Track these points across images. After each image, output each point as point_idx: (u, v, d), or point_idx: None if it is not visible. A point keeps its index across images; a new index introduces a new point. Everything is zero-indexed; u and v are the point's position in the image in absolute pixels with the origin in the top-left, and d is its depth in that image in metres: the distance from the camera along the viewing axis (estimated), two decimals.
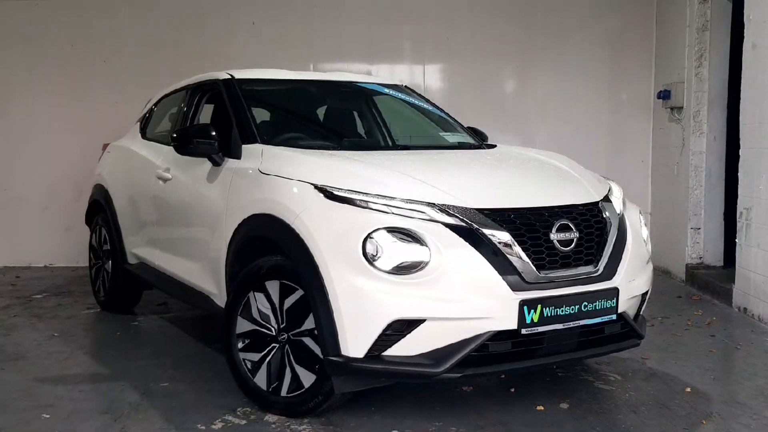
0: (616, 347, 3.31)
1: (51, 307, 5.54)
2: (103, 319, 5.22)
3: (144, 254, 4.74)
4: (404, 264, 2.89)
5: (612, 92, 7.34)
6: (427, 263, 2.89)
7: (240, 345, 3.36)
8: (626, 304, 3.25)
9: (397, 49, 7.38)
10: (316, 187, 3.13)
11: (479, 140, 4.42)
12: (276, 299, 3.25)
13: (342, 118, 4.55)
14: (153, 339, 4.73)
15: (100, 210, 5.35)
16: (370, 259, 2.90)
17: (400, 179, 3.15)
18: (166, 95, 5.15)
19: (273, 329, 3.26)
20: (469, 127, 4.59)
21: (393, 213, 2.97)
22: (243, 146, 3.75)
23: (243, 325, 3.36)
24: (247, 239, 3.49)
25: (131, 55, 7.27)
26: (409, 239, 2.91)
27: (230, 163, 3.77)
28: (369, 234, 2.92)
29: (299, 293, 3.16)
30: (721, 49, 6.10)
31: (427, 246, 2.90)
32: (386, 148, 4.08)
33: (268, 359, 3.27)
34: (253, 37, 7.26)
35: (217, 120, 4.46)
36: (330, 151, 3.65)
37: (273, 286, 3.26)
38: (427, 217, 2.97)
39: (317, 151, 3.62)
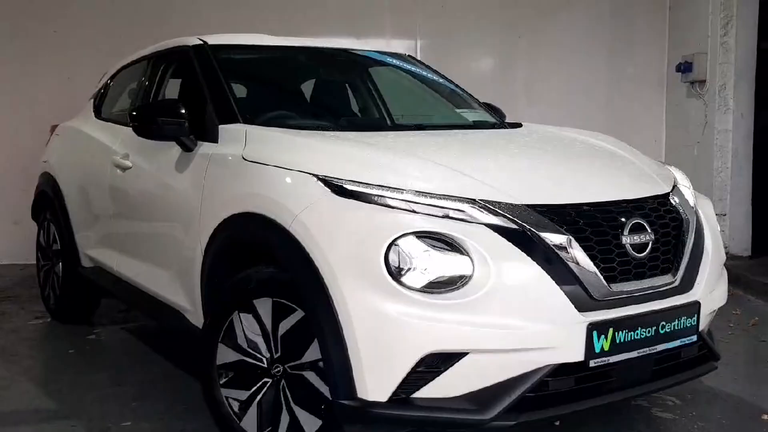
0: (693, 374, 2.67)
1: None
2: (54, 331, 4.45)
3: (100, 257, 3.99)
4: (440, 280, 2.21)
5: (616, 66, 6.71)
6: (469, 278, 2.21)
7: (222, 380, 2.66)
8: (705, 320, 2.62)
9: (385, 18, 6.64)
10: (320, 179, 2.42)
11: (499, 118, 3.74)
12: (268, 322, 2.55)
13: (337, 92, 3.82)
14: (113, 358, 3.98)
15: (49, 203, 4.57)
16: (396, 274, 2.21)
17: (429, 168, 2.46)
18: (124, 67, 4.37)
19: (264, 360, 2.56)
20: (485, 103, 3.90)
21: (423, 213, 2.27)
22: (220, 127, 3.02)
23: (226, 355, 2.65)
24: (229, 245, 2.78)
25: (86, 25, 6.42)
26: (446, 247, 2.23)
27: (204, 147, 3.04)
28: (393, 241, 2.22)
29: (298, 315, 2.46)
30: (749, 15, 5.51)
31: (468, 255, 2.22)
32: (396, 128, 3.35)
33: (258, 398, 2.57)
34: (226, 4, 6.47)
35: (186, 96, 3.69)
36: (331, 133, 2.93)
37: (264, 306, 2.55)
38: (467, 218, 2.28)
39: (315, 132, 2.91)
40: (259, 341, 2.57)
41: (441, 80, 3.93)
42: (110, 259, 3.85)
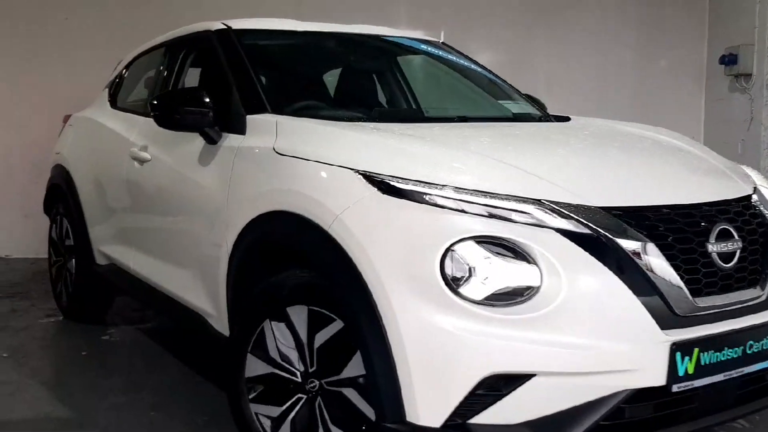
0: None
1: (3, 314, 4.53)
2: (66, 330, 4.22)
3: (116, 254, 3.74)
4: (504, 291, 1.95)
5: (648, 57, 6.40)
6: (536, 290, 1.95)
7: (252, 394, 2.41)
8: None
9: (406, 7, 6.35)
10: (364, 175, 2.15)
11: (543, 111, 3.47)
12: (303, 332, 2.29)
13: (369, 81, 3.56)
14: (128, 361, 3.74)
15: (61, 197, 4.33)
16: (453, 284, 1.95)
17: (487, 164, 2.19)
18: (141, 54, 4.12)
19: (298, 374, 2.31)
20: (525, 94, 3.63)
21: (483, 215, 2.01)
22: (248, 117, 2.76)
23: (256, 367, 2.41)
24: (259, 246, 2.53)
25: (98, 10, 6.17)
26: (510, 254, 1.97)
27: (230, 139, 2.79)
28: (450, 246, 1.97)
29: (338, 325, 2.21)
30: None
31: (536, 264, 1.96)
32: (437, 119, 3.07)
33: (291, 416, 2.32)
34: None
35: (208, 85, 3.44)
36: (371, 124, 2.66)
37: (299, 314, 2.30)
38: (534, 221, 2.01)
39: (354, 124, 2.64)
40: (293, 353, 2.32)
41: (478, 69, 3.66)
42: (126, 256, 3.60)
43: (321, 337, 2.25)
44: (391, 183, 2.10)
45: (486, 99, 3.48)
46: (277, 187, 2.43)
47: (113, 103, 4.15)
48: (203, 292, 2.89)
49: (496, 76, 3.64)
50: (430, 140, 2.41)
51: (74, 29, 6.17)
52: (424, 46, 3.61)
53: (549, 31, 6.39)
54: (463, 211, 2.01)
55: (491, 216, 2.00)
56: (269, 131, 2.61)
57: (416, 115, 3.15)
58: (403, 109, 3.36)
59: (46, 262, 5.78)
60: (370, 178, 2.14)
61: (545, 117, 3.31)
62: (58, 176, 4.35)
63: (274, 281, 2.40)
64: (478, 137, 2.57)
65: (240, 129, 2.77)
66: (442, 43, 3.76)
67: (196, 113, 2.79)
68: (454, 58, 3.63)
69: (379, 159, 2.20)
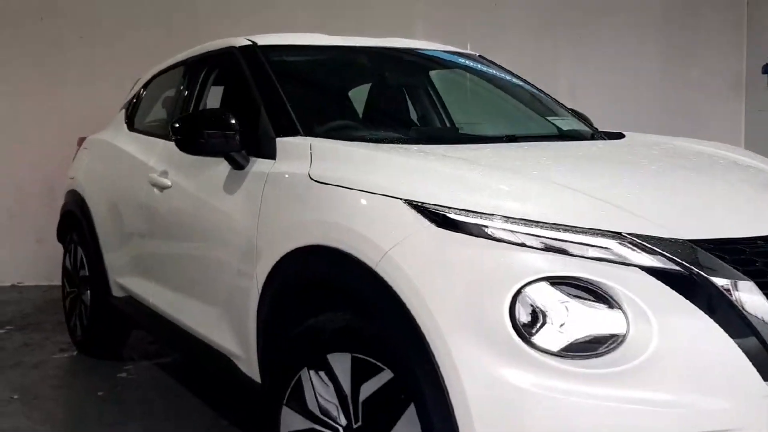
0: None
1: (14, 348, 4.30)
2: (81, 367, 3.98)
3: (133, 286, 3.51)
4: (584, 340, 1.69)
5: (682, 67, 6.13)
6: (622, 338, 1.68)
7: None
8: None
9: (433, 19, 6.13)
10: (417, 206, 1.90)
11: (592, 127, 3.22)
12: (346, 383, 2.03)
13: (403, 98, 3.31)
14: (146, 403, 3.47)
15: (76, 224, 4.11)
16: (525, 333, 1.69)
17: (554, 192, 1.93)
18: (159, 73, 3.91)
19: (341, 430, 2.05)
20: (571, 109, 3.37)
21: (557, 251, 1.75)
22: (278, 140, 2.53)
23: (292, 421, 2.15)
24: (295, 284, 2.28)
25: (112, 30, 5.99)
26: (589, 297, 1.71)
27: (259, 164, 2.55)
28: (520, 288, 1.71)
29: (386, 376, 1.94)
30: None
31: (620, 308, 1.69)
32: (483, 140, 2.81)
33: None
34: (259, 5, 6.01)
35: (232, 106, 3.22)
36: (414, 147, 2.41)
37: (341, 362, 2.04)
38: (615, 257, 1.74)
39: (398, 146, 2.40)
40: (335, 406, 2.06)
41: (519, 82, 3.41)
42: (144, 289, 3.37)
43: (367, 389, 1.99)
44: (448, 215, 1.84)
45: (530, 115, 3.22)
46: (315, 218, 2.18)
47: (130, 125, 3.93)
48: (230, 331, 2.65)
49: (539, 89, 3.40)
50: (486, 164, 2.16)
51: (89, 49, 5.99)
52: (461, 60, 3.37)
53: (575, 41, 6.14)
54: (533, 247, 1.75)
55: (566, 253, 1.74)
56: (303, 156, 2.37)
57: (460, 135, 2.89)
58: (446, 128, 3.09)
59: (59, 290, 5.57)
60: (423, 210, 1.89)
61: (597, 134, 3.05)
62: (73, 202, 4.14)
63: (312, 324, 2.15)
64: (537, 160, 2.31)
65: (269, 153, 2.54)
66: (479, 56, 3.52)
67: (222, 136, 2.56)
68: (494, 72, 3.39)
69: (432, 187, 1.95)
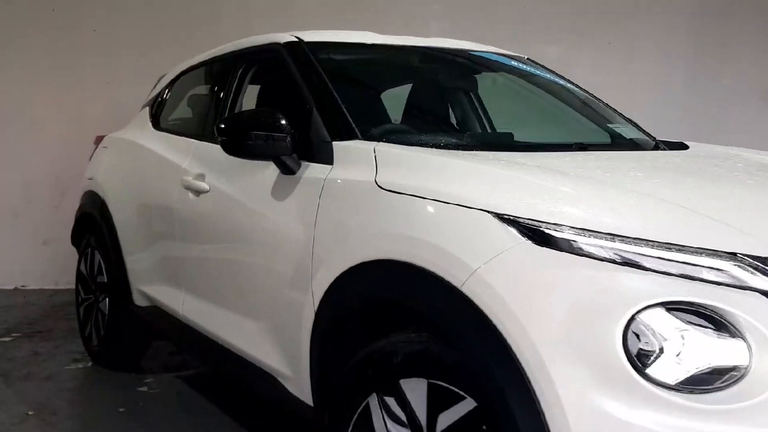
0: None
1: (23, 357, 4.08)
2: (98, 380, 3.78)
3: (160, 296, 3.32)
4: (702, 372, 1.52)
5: (708, 74, 6.00)
6: (745, 370, 1.52)
7: None
8: None
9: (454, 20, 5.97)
10: (508, 220, 1.73)
11: (650, 135, 3.06)
12: (422, 412, 1.85)
13: (458, 101, 3.15)
14: (173, 421, 3.24)
15: (94, 227, 3.92)
16: (639, 364, 1.53)
17: (658, 207, 1.76)
18: (188, 70, 3.72)
19: None
20: (627, 117, 3.22)
21: (672, 274, 1.58)
22: (335, 144, 2.35)
23: None
24: (359, 301, 2.11)
25: (128, 23, 5.80)
26: (708, 324, 1.55)
27: (313, 170, 2.37)
28: (634, 315, 1.55)
29: (469, 405, 1.76)
30: None
31: (742, 337, 1.53)
32: (552, 147, 2.63)
33: None
34: (280, 5, 5.85)
35: (273, 105, 3.03)
36: (489, 154, 2.23)
37: (415, 389, 1.86)
38: (732, 280, 1.58)
39: (474, 153, 2.22)
40: None
41: (573, 87, 3.25)
42: (174, 299, 3.18)
43: (446, 419, 1.81)
44: (547, 231, 1.68)
45: (587, 122, 3.05)
46: (385, 230, 2.01)
47: (156, 123, 3.74)
48: (276, 348, 2.47)
49: (592, 95, 3.24)
50: (575, 175, 1.99)
51: (104, 43, 5.78)
52: (513, 63, 3.20)
53: (601, 46, 6.01)
54: (647, 268, 1.58)
55: (682, 276, 1.58)
56: (366, 162, 2.19)
57: (530, 143, 2.72)
58: (506, 134, 2.90)
59: (66, 295, 5.39)
60: (516, 224, 1.72)
61: (659, 143, 2.89)
62: (91, 204, 3.94)
63: (382, 347, 1.97)
64: (624, 171, 2.15)
65: (325, 158, 2.36)
66: (528, 59, 3.36)
67: (272, 138, 2.38)
68: (547, 76, 3.22)
69: (524, 200, 1.78)
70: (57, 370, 3.87)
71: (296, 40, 2.84)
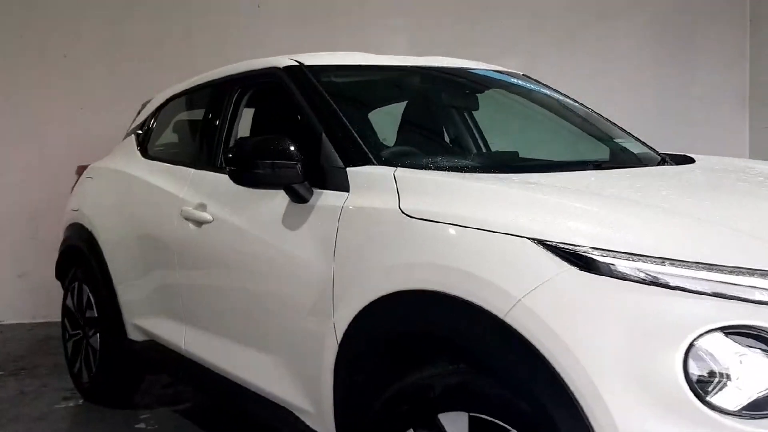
0: None
1: (10, 397, 3.92)
2: (92, 418, 3.63)
3: (158, 329, 3.21)
4: (763, 397, 1.50)
5: (683, 81, 6.06)
6: None
7: None
8: None
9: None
10: (551, 247, 1.68)
11: (654, 150, 3.05)
12: None
13: (463, 122, 3.11)
14: None
15: (81, 261, 3.78)
16: (700, 391, 1.49)
17: (706, 228, 1.72)
18: (177, 96, 3.62)
19: None
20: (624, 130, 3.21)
21: (727, 296, 1.55)
22: (350, 170, 2.29)
23: None
24: (387, 333, 2.04)
25: (99, 48, 5.66)
26: (765, 347, 1.52)
27: (327, 197, 2.30)
28: (693, 342, 1.51)
29: None
30: None
31: None
32: (571, 166, 2.57)
33: None
34: (258, 20, 5.76)
35: (272, 131, 2.95)
36: (515, 176, 2.18)
37: (456, 423, 1.80)
38: None
39: (501, 176, 2.17)
40: None
41: (573, 103, 3.23)
42: (174, 333, 3.07)
43: None
44: (594, 257, 1.63)
45: (591, 139, 3.03)
46: (414, 259, 1.94)
47: (144, 152, 3.63)
48: (294, 383, 2.39)
49: (591, 109, 3.23)
50: (609, 196, 1.96)
51: (74, 69, 5.62)
52: (512, 80, 3.17)
53: (567, 46, 6.02)
54: (702, 292, 1.55)
55: (737, 298, 1.55)
56: (385, 188, 2.13)
57: (548, 162, 2.68)
58: (512, 153, 2.86)
59: (45, 328, 5.24)
60: (560, 251, 1.67)
61: (665, 157, 2.88)
62: (77, 237, 3.80)
63: (417, 381, 1.90)
64: (654, 190, 2.12)
65: (339, 185, 2.29)
66: (523, 75, 3.34)
67: (283, 167, 2.31)
68: (546, 92, 3.20)
69: (565, 224, 1.73)
70: (47, 410, 3.71)
71: (296, 63, 2.77)
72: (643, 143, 3.07)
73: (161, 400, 3.81)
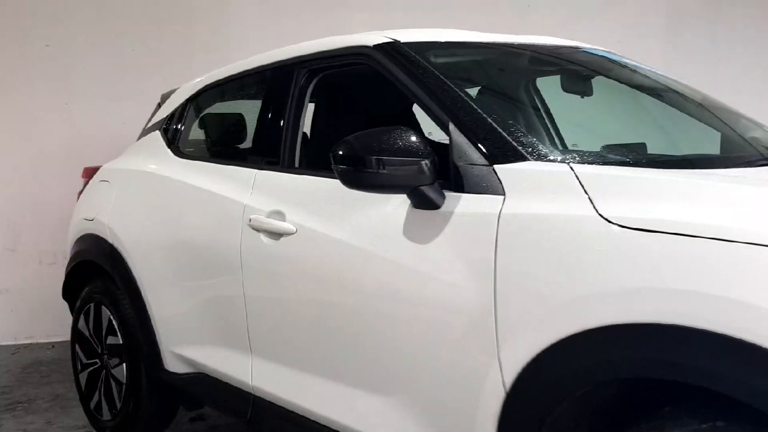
0: None
1: None
2: None
3: (211, 362, 2.69)
4: None
5: (713, 66, 5.80)
6: None
7: None
8: None
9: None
10: None
11: None
12: None
13: (576, 109, 2.66)
14: None
15: (99, 278, 3.22)
16: None
17: None
18: (216, 85, 3.08)
19: None
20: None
21: None
22: (499, 168, 1.83)
23: None
24: (590, 379, 1.58)
25: (85, 38, 5.04)
26: None
27: (467, 203, 1.84)
28: None
29: None
30: None
31: None
32: (739, 160, 2.16)
33: None
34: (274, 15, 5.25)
35: (351, 123, 2.48)
36: (708, 171, 1.77)
37: None
38: None
39: (695, 171, 1.75)
40: None
41: (679, 86, 2.82)
42: (237, 366, 2.56)
43: None
44: None
45: (727, 128, 2.62)
46: (638, 283, 1.49)
47: (177, 150, 3.09)
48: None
49: (701, 93, 2.84)
50: None
51: (58, 60, 5.00)
52: (629, 62, 2.73)
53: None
54: None
55: None
56: (564, 189, 1.68)
57: (719, 157, 2.27)
58: (640, 146, 2.44)
59: (28, 350, 4.72)
60: None
61: None
62: (95, 251, 3.24)
63: None
64: None
65: (485, 187, 1.84)
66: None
67: (410, 165, 1.85)
68: (661, 75, 2.77)
69: None
70: None
71: (392, 40, 2.30)
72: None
73: None
